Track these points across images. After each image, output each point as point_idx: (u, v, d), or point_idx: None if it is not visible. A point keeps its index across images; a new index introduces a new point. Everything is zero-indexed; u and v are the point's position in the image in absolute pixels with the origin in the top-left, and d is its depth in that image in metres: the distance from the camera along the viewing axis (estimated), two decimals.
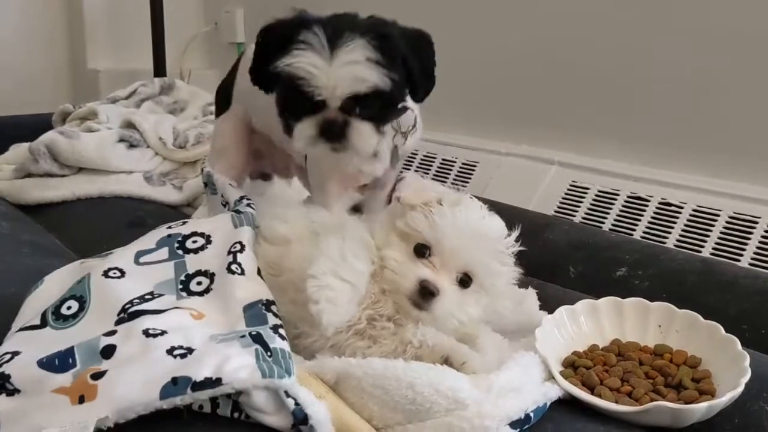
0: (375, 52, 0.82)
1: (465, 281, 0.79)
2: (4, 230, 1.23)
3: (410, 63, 0.87)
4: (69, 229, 1.32)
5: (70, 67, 2.55)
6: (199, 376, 0.63)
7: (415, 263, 0.78)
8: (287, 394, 0.63)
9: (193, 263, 0.85)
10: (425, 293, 0.76)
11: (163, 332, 0.71)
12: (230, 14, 2.53)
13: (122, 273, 0.82)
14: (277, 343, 0.71)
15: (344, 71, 0.81)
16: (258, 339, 0.71)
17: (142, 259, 0.85)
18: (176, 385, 0.63)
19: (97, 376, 0.65)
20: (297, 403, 0.63)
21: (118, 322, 0.74)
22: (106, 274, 0.81)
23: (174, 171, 1.52)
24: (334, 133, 0.85)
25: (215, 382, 0.63)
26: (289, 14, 0.90)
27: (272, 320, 0.75)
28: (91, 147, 1.45)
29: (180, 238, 0.88)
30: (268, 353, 0.68)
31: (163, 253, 0.86)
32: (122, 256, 0.85)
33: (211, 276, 0.83)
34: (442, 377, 0.68)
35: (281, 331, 0.74)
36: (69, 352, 0.69)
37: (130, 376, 0.64)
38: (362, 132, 0.85)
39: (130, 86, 1.84)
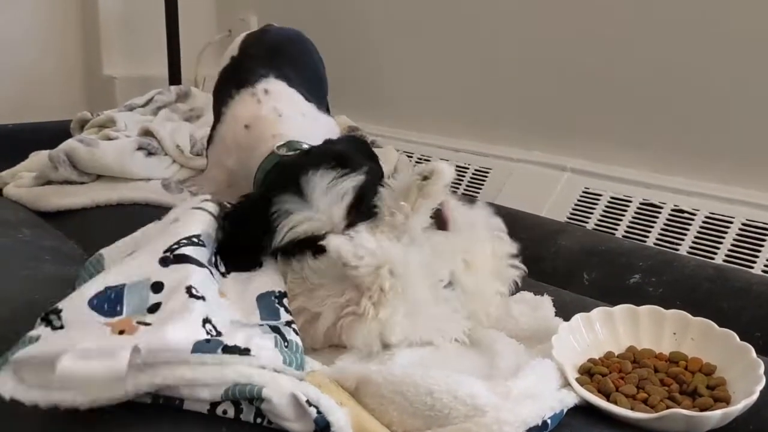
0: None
1: None
2: (26, 237, 1.25)
3: None
4: (88, 235, 1.33)
5: (86, 74, 2.58)
6: (230, 342, 0.67)
7: None
8: (309, 403, 0.64)
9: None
10: None
11: (203, 297, 0.74)
12: (244, 22, 2.55)
13: (177, 219, 0.88)
14: (293, 336, 0.75)
15: None
16: (275, 330, 0.75)
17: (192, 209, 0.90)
18: (209, 343, 0.66)
19: (142, 323, 0.69)
20: (319, 411, 0.64)
21: (163, 261, 0.77)
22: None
23: (191, 178, 1.54)
24: None
25: (244, 351, 0.67)
26: None
27: (285, 316, 0.79)
28: (109, 155, 1.47)
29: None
30: (286, 343, 0.73)
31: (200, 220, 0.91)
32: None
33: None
34: (460, 384, 0.69)
35: (294, 326, 0.78)
36: (118, 297, 0.73)
37: (169, 327, 0.67)
38: None
39: (147, 94, 1.86)
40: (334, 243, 0.79)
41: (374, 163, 0.95)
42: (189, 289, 0.73)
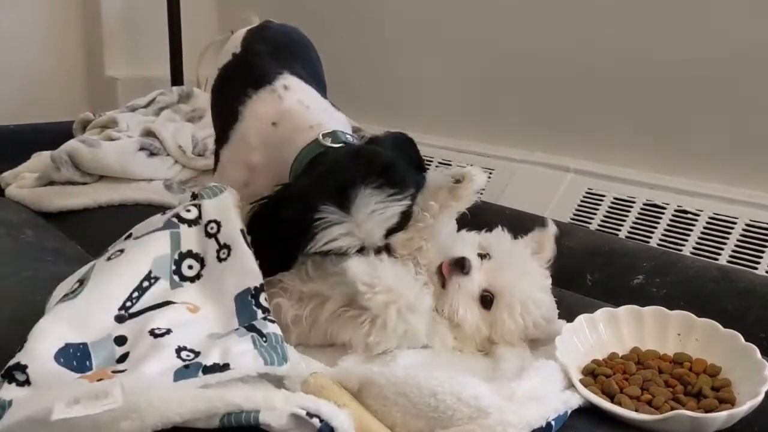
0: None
1: None
2: (29, 238, 1.25)
3: None
4: (90, 236, 1.33)
5: (88, 75, 2.58)
6: (208, 362, 0.68)
7: None
8: (310, 415, 0.63)
9: (186, 238, 0.87)
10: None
11: (168, 331, 0.75)
12: (246, 22, 2.54)
13: (122, 251, 0.85)
14: (269, 328, 0.76)
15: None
16: (251, 328, 0.76)
17: (137, 233, 0.88)
18: (188, 368, 0.67)
19: (117, 372, 0.70)
20: (321, 419, 0.63)
21: (119, 318, 0.77)
22: (108, 258, 0.85)
23: (193, 179, 1.54)
24: None
25: (223, 366, 0.68)
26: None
27: (261, 314, 0.80)
28: (111, 155, 1.47)
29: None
30: (263, 339, 0.74)
31: (158, 221, 0.89)
32: (121, 240, 0.90)
33: (201, 260, 0.86)
34: (464, 385, 0.69)
35: (270, 316, 0.79)
36: (85, 354, 0.73)
37: (145, 365, 0.69)
38: None
39: (149, 95, 1.86)
40: (353, 270, 0.80)
41: (418, 167, 0.93)
42: (152, 332, 0.74)
